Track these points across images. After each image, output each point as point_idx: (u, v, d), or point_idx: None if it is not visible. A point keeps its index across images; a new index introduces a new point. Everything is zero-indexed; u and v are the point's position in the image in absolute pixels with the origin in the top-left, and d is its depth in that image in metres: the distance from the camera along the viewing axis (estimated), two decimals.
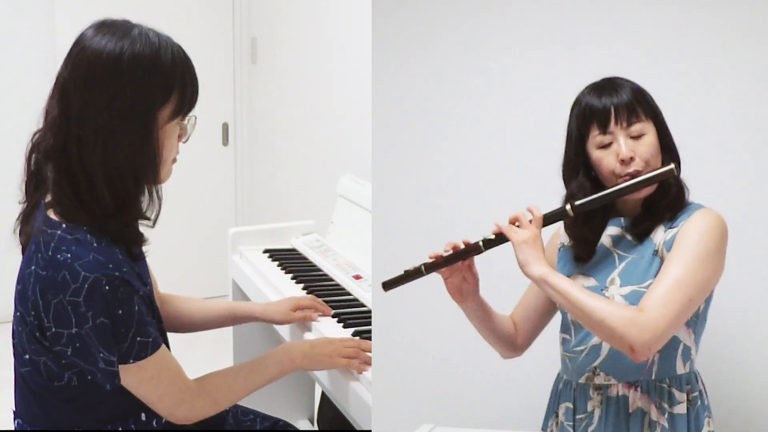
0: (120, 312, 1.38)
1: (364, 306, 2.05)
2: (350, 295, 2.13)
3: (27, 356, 1.47)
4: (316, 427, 2.72)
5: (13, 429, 1.60)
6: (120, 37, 1.40)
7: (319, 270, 2.34)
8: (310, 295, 2.03)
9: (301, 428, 2.16)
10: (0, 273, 3.54)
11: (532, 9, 2.17)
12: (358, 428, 1.68)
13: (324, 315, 1.96)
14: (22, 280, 1.45)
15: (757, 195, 1.93)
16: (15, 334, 1.52)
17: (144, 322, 1.43)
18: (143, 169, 1.44)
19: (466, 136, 2.25)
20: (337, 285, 2.20)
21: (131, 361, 1.42)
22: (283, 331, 2.03)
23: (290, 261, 2.43)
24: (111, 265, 1.38)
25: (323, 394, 2.54)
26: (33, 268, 1.41)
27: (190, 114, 1.50)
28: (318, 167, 3.62)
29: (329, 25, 3.46)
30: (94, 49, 1.39)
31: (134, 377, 1.45)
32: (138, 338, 1.42)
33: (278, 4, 4.06)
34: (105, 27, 1.43)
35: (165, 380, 1.49)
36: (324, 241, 2.56)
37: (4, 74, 4.13)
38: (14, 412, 1.59)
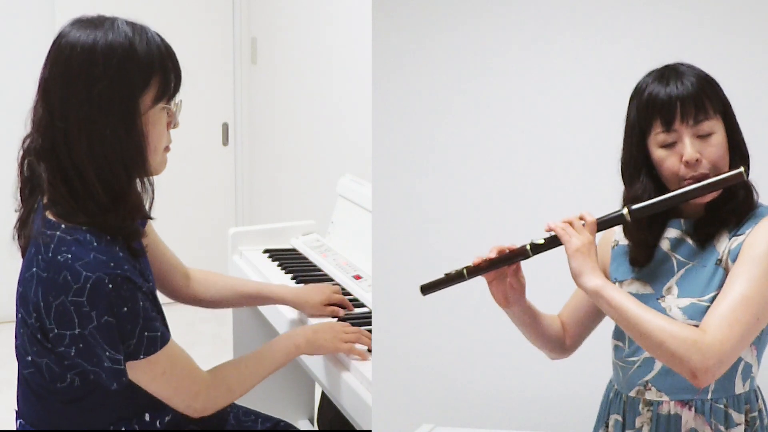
0: (125, 310, 1.38)
1: (364, 306, 2.05)
2: (350, 295, 2.13)
3: (29, 358, 1.47)
4: (316, 427, 2.72)
5: (15, 429, 1.60)
6: (93, 30, 1.41)
7: (319, 270, 2.34)
8: (338, 289, 2.03)
9: (301, 428, 2.16)
10: (0, 274, 3.53)
11: (532, 9, 2.17)
12: (358, 428, 1.68)
13: (348, 311, 1.98)
14: (23, 282, 1.44)
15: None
16: (17, 336, 1.52)
17: (150, 318, 1.42)
18: (131, 158, 1.42)
19: (466, 135, 2.25)
20: (337, 285, 2.20)
21: (141, 357, 1.42)
22: (281, 328, 2.04)
23: (290, 261, 2.43)
24: (112, 264, 1.38)
25: (323, 394, 2.54)
26: (34, 270, 1.40)
27: (176, 99, 1.49)
28: (318, 167, 3.62)
29: (329, 25, 3.45)
30: (69, 42, 1.40)
31: (146, 374, 1.45)
32: (145, 333, 1.41)
33: (278, 4, 4.05)
34: (80, 22, 1.43)
35: (177, 373, 1.48)
36: (324, 241, 2.56)
37: (4, 75, 4.12)
38: (16, 412, 1.59)
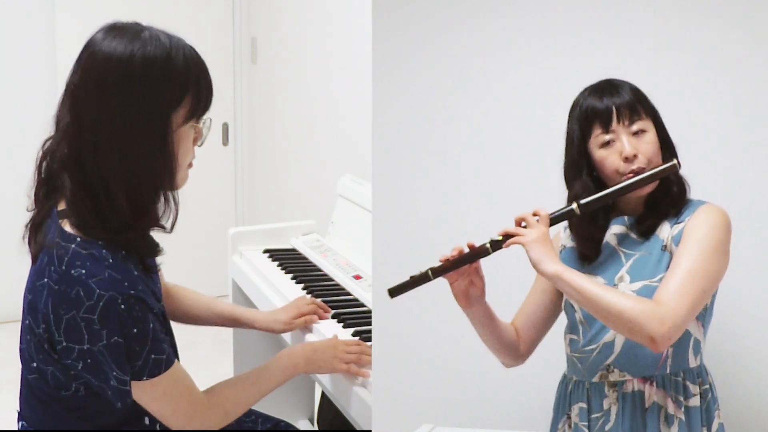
0: (135, 331, 1.37)
1: (364, 306, 2.05)
2: (350, 295, 2.13)
3: (34, 364, 1.46)
4: (316, 427, 2.72)
5: (16, 429, 1.59)
6: (130, 40, 1.37)
7: (319, 270, 2.34)
8: (310, 300, 2.00)
9: (301, 428, 2.16)
10: (1, 276, 3.54)
11: (533, 9, 2.17)
12: (358, 428, 1.68)
13: (322, 318, 1.95)
14: (32, 290, 1.42)
15: (758, 193, 1.93)
16: (23, 340, 1.50)
17: (158, 339, 1.41)
18: (160, 175, 1.41)
19: (466, 135, 2.25)
20: (337, 285, 2.20)
21: (145, 378, 1.41)
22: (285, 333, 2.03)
23: (290, 261, 2.43)
24: (126, 283, 1.36)
25: (323, 395, 2.54)
26: (45, 280, 1.38)
27: (205, 117, 1.48)
28: (318, 167, 3.62)
29: (329, 25, 3.46)
30: (104, 52, 1.36)
31: (147, 394, 1.44)
32: (152, 356, 1.40)
33: (278, 4, 4.06)
34: (114, 30, 1.39)
35: (177, 396, 1.48)
36: (324, 241, 2.56)
37: (4, 75, 4.12)
38: (19, 414, 1.59)
